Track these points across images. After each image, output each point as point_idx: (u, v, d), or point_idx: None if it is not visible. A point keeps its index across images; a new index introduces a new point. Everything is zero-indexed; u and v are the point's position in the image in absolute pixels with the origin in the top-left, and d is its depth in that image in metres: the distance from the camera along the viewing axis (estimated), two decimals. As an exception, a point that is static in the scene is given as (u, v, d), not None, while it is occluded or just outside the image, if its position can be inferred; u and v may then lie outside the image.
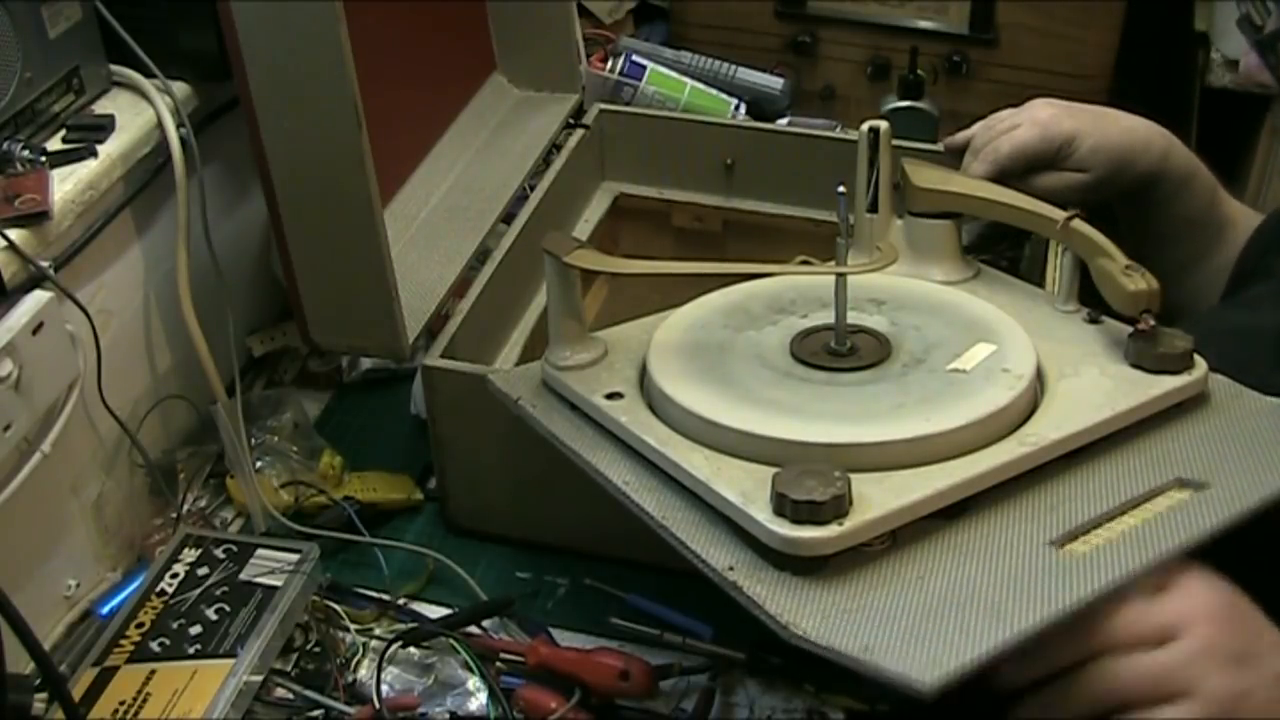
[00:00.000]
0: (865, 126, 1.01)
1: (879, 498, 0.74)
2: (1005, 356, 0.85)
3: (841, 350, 0.87)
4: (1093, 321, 0.92)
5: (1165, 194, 1.07)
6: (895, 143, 1.05)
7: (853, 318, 0.88)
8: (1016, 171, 1.04)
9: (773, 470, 0.74)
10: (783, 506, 0.72)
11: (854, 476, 0.73)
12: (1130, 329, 0.88)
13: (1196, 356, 0.85)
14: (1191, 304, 1.08)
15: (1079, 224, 0.92)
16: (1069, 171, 1.04)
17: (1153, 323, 0.86)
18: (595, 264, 0.90)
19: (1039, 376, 0.85)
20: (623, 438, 0.83)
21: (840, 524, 0.72)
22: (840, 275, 0.87)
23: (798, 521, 0.72)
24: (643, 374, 0.89)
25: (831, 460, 0.74)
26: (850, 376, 0.86)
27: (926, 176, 1.01)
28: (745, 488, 0.75)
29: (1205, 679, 0.68)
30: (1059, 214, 0.93)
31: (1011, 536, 0.75)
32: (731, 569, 0.73)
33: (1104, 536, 0.74)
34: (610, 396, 0.86)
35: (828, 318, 0.89)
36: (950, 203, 1.00)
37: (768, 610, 0.71)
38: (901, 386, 0.84)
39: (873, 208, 1.02)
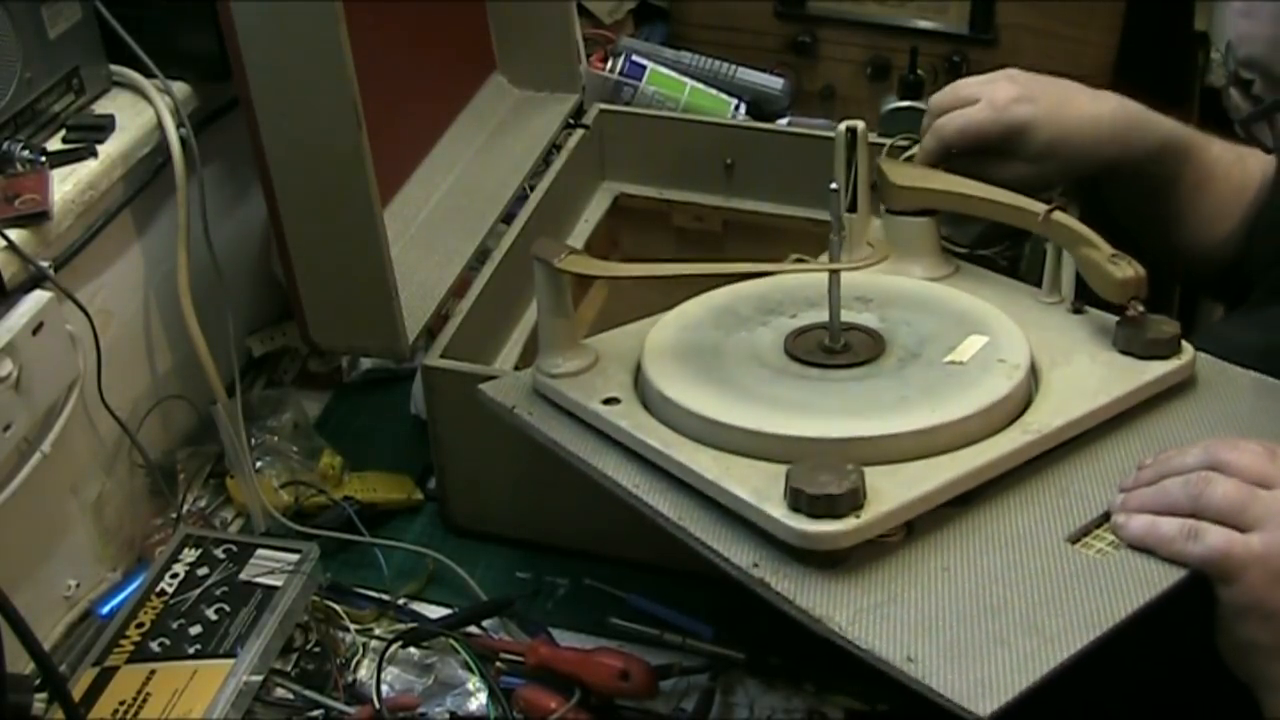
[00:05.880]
0: (842, 126, 1.00)
1: (891, 490, 0.74)
2: (999, 347, 0.86)
3: (836, 347, 0.87)
4: (1076, 312, 0.92)
5: (1127, 175, 1.06)
6: (897, 143, 1.05)
7: (842, 316, 0.88)
8: (964, 150, 1.03)
9: (780, 467, 0.74)
10: (798, 502, 0.72)
11: (865, 470, 0.73)
12: (1115, 318, 0.88)
13: (1183, 341, 0.86)
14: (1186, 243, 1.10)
15: (1060, 216, 0.91)
16: (1019, 162, 1.03)
17: (1141, 309, 0.87)
18: (586, 269, 0.89)
19: (1032, 366, 0.85)
20: (626, 443, 0.83)
21: (857, 516, 0.72)
22: (834, 272, 0.86)
23: (814, 516, 0.72)
24: (636, 377, 0.88)
25: (841, 455, 0.74)
26: (848, 373, 0.86)
27: (904, 174, 1.00)
28: (757, 485, 0.75)
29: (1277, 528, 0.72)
30: (1039, 207, 0.93)
31: (1027, 523, 0.76)
32: (756, 565, 0.73)
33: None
34: (607, 402, 0.85)
35: (817, 317, 0.89)
36: (928, 200, 1.00)
37: (799, 605, 0.71)
38: (902, 380, 0.84)
39: (852, 207, 1.01)
